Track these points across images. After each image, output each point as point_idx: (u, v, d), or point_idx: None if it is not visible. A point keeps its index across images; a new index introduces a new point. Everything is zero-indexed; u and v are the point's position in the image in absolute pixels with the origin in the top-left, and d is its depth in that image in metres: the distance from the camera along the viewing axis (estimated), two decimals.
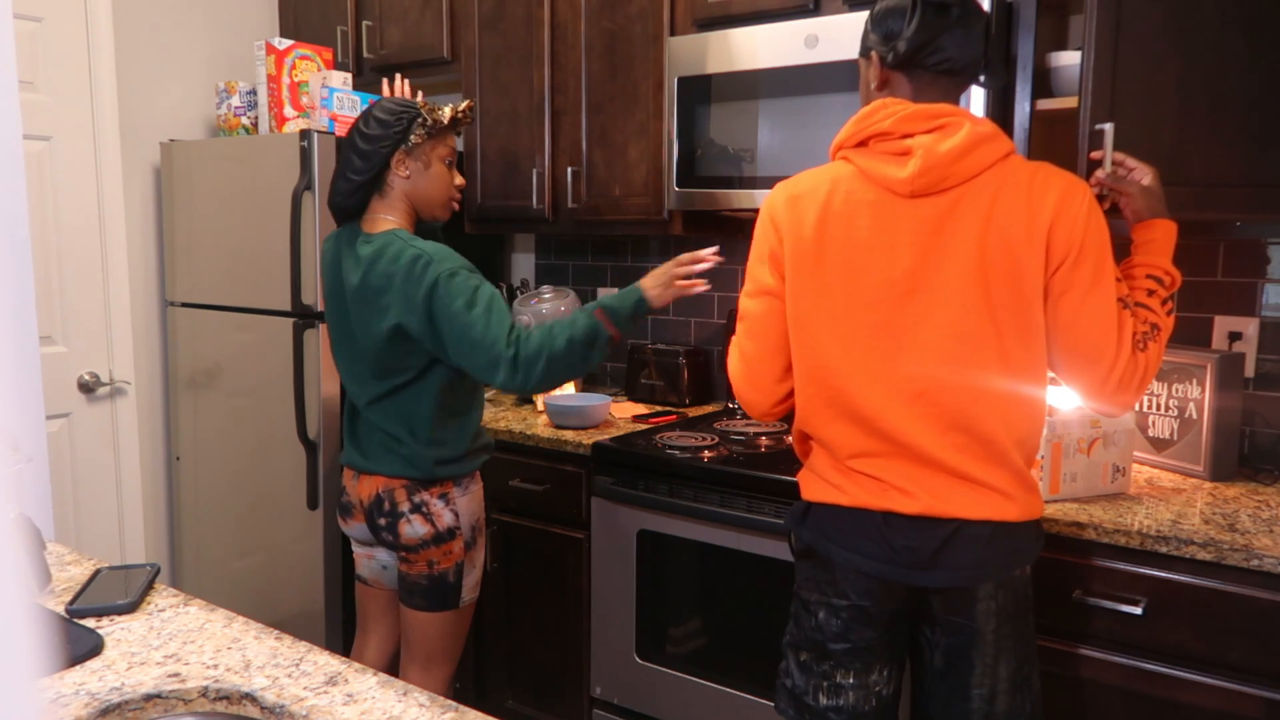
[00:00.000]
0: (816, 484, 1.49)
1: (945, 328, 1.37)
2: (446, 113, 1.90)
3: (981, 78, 1.48)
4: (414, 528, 1.91)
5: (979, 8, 1.43)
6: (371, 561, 2.09)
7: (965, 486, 1.39)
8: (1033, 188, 1.37)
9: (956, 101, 1.46)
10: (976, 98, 1.94)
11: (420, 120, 1.86)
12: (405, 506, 1.91)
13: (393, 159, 1.86)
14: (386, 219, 1.90)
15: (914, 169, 1.36)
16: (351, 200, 1.89)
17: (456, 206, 1.98)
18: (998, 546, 1.40)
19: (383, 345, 1.85)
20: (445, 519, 1.91)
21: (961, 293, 1.36)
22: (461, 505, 1.93)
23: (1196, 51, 1.77)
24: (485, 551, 2.04)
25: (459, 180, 1.97)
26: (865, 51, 1.50)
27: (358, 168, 1.86)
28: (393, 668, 2.15)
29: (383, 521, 1.93)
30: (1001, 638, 1.42)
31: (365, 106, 2.03)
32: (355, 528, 2.02)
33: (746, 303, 1.55)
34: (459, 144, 1.97)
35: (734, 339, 1.59)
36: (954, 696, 1.45)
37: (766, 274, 1.51)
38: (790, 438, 1.66)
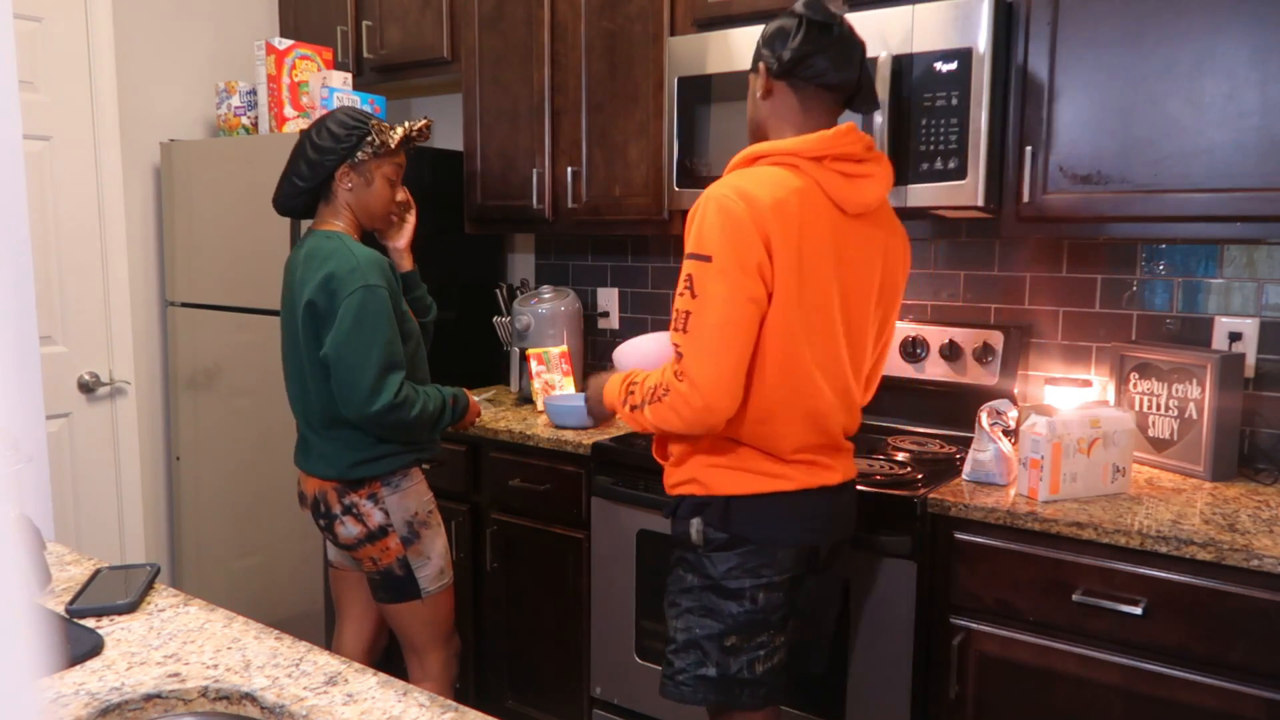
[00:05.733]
0: (749, 479, 1.57)
1: (866, 335, 1.64)
2: (398, 134, 1.97)
3: (854, 101, 1.61)
4: (347, 529, 1.97)
5: (858, 36, 1.57)
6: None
7: (848, 453, 1.68)
8: (894, 218, 1.68)
9: (835, 120, 1.59)
10: (979, 94, 1.94)
11: (369, 139, 1.94)
12: (337, 509, 1.97)
13: (338, 171, 1.94)
14: (333, 223, 1.98)
15: (875, 195, 1.57)
16: (294, 202, 1.99)
17: (395, 220, 2.07)
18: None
19: (301, 337, 1.92)
20: (375, 518, 1.96)
21: (876, 304, 1.64)
22: (392, 503, 1.97)
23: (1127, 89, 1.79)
24: (446, 542, 2.09)
25: (401, 197, 2.05)
26: (755, 64, 1.61)
27: (303, 174, 1.94)
28: (371, 652, 2.21)
29: (322, 523, 2.02)
30: (845, 570, 1.78)
31: (330, 110, 2.08)
32: (309, 515, 2.09)
33: (727, 310, 1.46)
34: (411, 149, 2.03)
35: (704, 346, 1.46)
36: (813, 629, 1.71)
37: (755, 284, 1.46)
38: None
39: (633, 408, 1.57)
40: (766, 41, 1.57)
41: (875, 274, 1.61)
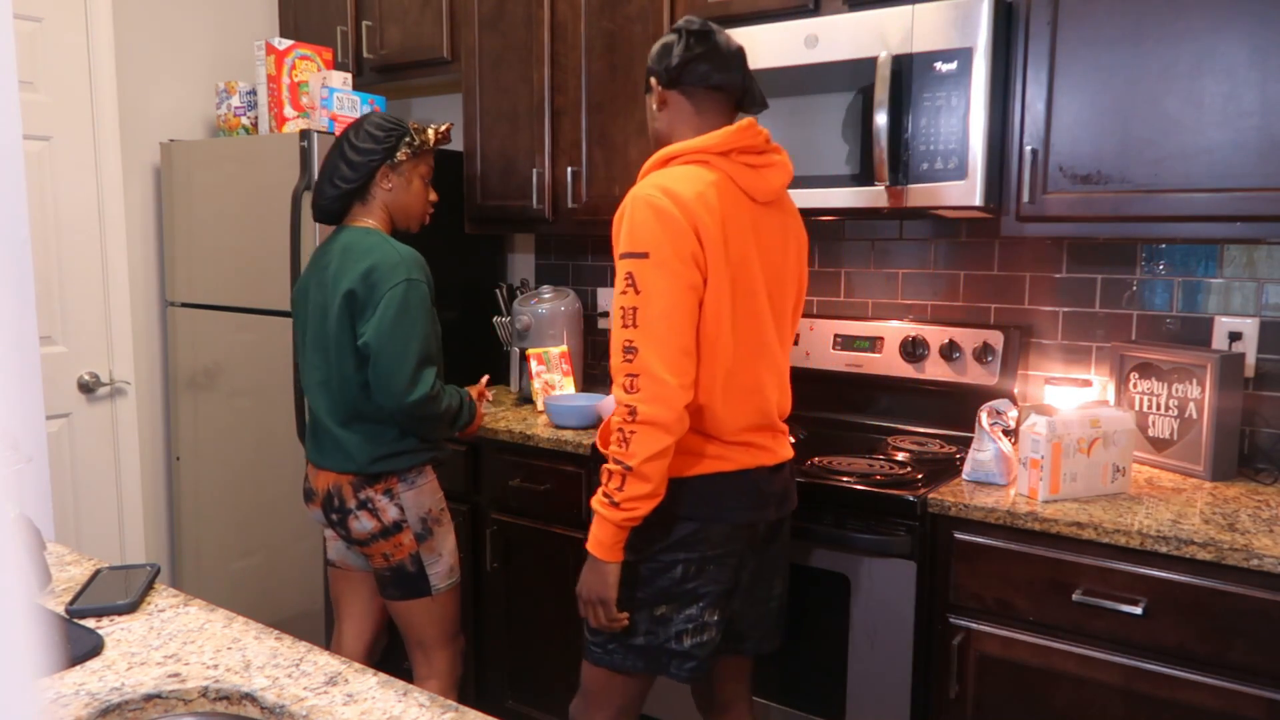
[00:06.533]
0: (691, 461, 1.63)
1: (788, 317, 1.74)
2: (430, 135, 2.06)
3: (742, 102, 1.70)
4: (361, 523, 1.99)
5: (735, 43, 1.68)
6: (337, 542, 2.15)
7: (784, 435, 1.75)
8: (793, 204, 1.76)
9: (729, 120, 1.68)
10: (979, 94, 1.94)
11: (408, 140, 2.01)
12: (352, 503, 1.98)
13: (378, 172, 2.00)
14: (367, 220, 2.03)
15: (780, 183, 1.66)
16: (335, 206, 2.03)
17: (427, 220, 2.13)
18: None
19: (334, 326, 1.93)
20: (390, 513, 1.98)
21: (792, 286, 1.73)
22: (407, 499, 1.99)
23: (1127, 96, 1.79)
24: (455, 541, 2.11)
25: (433, 197, 2.12)
26: (647, 82, 1.72)
27: (346, 176, 1.99)
28: (371, 652, 2.22)
29: (334, 517, 2.02)
30: (787, 548, 1.81)
31: (362, 113, 2.14)
32: (316, 513, 2.09)
33: (670, 300, 1.51)
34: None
35: (657, 335, 1.50)
36: (756, 602, 1.74)
37: (692, 272, 1.54)
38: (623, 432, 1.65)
39: (615, 489, 1.52)
40: (654, 59, 1.69)
41: (789, 256, 1.72)
